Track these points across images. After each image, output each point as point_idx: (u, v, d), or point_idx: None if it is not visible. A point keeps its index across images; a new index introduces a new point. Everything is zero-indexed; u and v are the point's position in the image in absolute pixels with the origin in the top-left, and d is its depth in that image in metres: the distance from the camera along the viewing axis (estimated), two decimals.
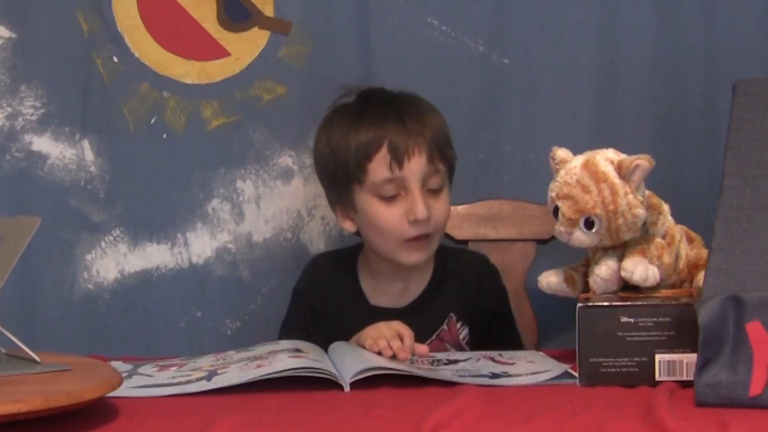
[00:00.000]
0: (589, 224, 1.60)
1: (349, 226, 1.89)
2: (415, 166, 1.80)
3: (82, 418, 1.29)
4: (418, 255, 1.84)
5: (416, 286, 1.91)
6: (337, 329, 1.81)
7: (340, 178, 1.84)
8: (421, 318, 1.72)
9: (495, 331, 1.90)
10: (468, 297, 1.90)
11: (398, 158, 1.79)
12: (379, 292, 1.91)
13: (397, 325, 1.67)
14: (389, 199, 1.81)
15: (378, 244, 1.85)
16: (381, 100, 1.87)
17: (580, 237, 1.62)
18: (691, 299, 1.52)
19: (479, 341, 1.87)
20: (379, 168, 1.80)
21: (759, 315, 1.35)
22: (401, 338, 1.64)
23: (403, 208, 1.81)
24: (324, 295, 1.92)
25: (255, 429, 1.27)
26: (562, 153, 1.65)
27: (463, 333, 1.89)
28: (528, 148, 2.11)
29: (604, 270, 1.61)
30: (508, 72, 2.12)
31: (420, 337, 1.70)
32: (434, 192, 1.83)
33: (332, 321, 1.88)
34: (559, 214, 1.62)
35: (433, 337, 1.86)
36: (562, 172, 1.63)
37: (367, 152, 1.80)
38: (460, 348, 1.87)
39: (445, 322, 1.89)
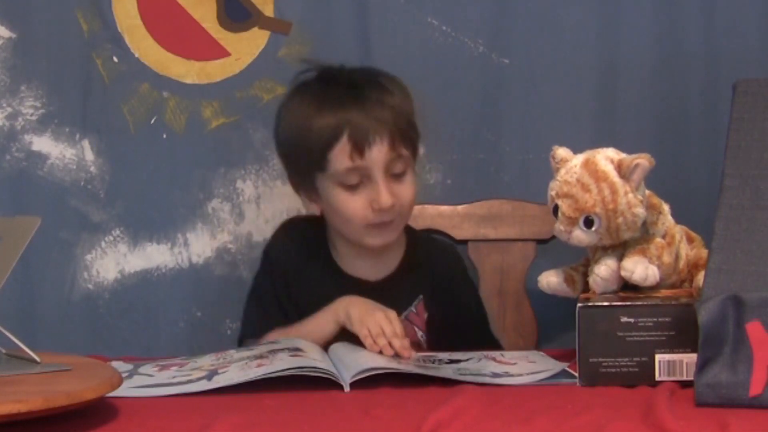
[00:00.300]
0: (588, 223, 1.60)
1: (314, 209, 1.87)
2: (377, 154, 1.76)
3: (82, 418, 1.29)
4: (383, 237, 1.82)
5: (389, 261, 1.88)
6: (309, 296, 1.80)
7: (302, 165, 1.82)
8: (393, 295, 1.70)
9: (463, 323, 1.88)
10: (435, 284, 1.88)
11: (359, 147, 1.75)
12: (352, 264, 1.88)
13: (395, 318, 1.66)
14: (352, 188, 1.78)
15: (343, 229, 1.84)
16: (341, 81, 1.83)
17: (580, 236, 1.62)
18: (691, 299, 1.51)
19: (446, 332, 1.84)
20: (340, 157, 1.77)
21: (759, 315, 1.35)
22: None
23: (367, 196, 1.78)
24: (296, 260, 1.88)
25: (255, 429, 1.27)
26: (562, 152, 1.65)
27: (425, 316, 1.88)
28: (528, 148, 2.11)
29: (603, 269, 1.61)
30: (508, 72, 2.12)
31: None
32: (398, 176, 1.80)
33: (303, 286, 1.86)
34: (559, 213, 1.62)
35: (401, 317, 1.82)
36: (562, 171, 1.63)
37: (328, 141, 1.76)
38: (425, 332, 1.86)
39: (414, 304, 1.87)
